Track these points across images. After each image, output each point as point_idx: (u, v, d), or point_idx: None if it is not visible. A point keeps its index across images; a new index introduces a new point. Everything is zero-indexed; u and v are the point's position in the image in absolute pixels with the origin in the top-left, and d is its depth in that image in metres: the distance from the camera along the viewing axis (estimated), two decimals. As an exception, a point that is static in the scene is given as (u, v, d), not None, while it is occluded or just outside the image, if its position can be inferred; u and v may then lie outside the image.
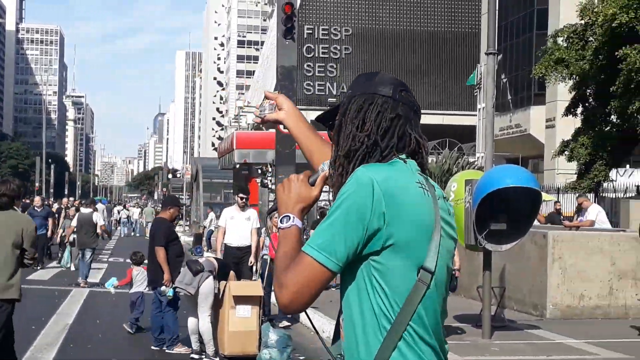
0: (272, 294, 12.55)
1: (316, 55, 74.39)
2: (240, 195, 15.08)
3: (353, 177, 2.40)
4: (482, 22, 48.81)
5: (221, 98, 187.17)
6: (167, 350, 11.22)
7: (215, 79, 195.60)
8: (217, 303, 10.92)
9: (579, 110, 28.48)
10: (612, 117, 26.40)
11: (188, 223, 55.16)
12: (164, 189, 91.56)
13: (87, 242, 19.63)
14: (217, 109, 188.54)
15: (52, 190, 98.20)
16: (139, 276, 12.93)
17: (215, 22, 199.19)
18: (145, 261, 12.49)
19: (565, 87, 29.54)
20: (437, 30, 76.55)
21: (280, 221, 2.49)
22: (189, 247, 27.28)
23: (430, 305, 2.42)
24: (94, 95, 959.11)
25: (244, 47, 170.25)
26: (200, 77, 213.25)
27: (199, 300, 10.71)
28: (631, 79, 23.39)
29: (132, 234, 52.19)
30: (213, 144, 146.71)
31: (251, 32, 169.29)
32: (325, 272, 2.34)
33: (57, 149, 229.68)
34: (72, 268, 22.86)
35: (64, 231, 24.25)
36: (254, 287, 11.32)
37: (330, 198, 2.54)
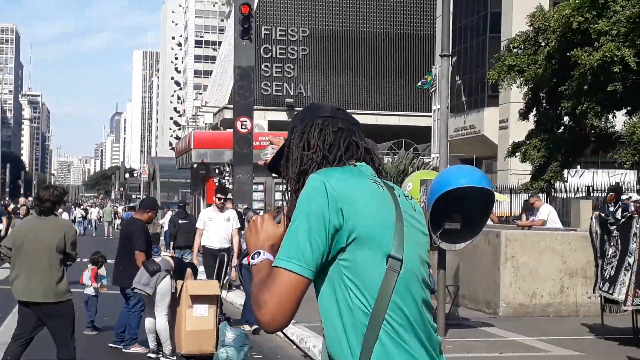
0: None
1: (274, 55, 74.17)
2: (219, 195, 14.63)
3: (307, 184, 2.44)
4: (436, 25, 48.98)
5: (179, 98, 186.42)
6: (124, 350, 11.16)
7: (172, 78, 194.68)
8: (175, 302, 10.89)
9: (532, 114, 28.73)
10: (564, 119, 26.68)
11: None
12: (121, 188, 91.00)
13: None
14: (175, 109, 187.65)
15: (7, 190, 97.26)
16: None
17: (173, 21, 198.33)
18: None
19: (518, 90, 29.81)
20: (393, 31, 76.62)
21: (252, 257, 2.51)
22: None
23: (407, 294, 2.44)
24: (51, 94, 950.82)
25: (201, 47, 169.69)
26: (158, 77, 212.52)
27: (156, 299, 10.66)
28: (583, 81, 23.64)
29: (92, 234, 51.89)
30: (170, 144, 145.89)
31: (209, 32, 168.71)
32: (299, 279, 2.36)
33: (12, 148, 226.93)
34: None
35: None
36: (211, 286, 11.28)
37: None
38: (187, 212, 21.67)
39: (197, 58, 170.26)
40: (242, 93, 19.37)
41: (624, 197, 14.49)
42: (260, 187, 31.13)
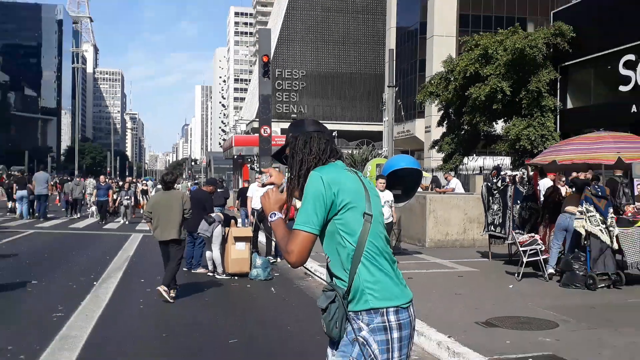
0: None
1: (283, 87, 74.85)
2: (261, 175, 14.58)
3: (310, 178, 2.50)
4: (385, 67, 48.93)
5: (224, 115, 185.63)
6: (192, 271, 11.19)
7: (220, 102, 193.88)
8: (224, 241, 10.92)
9: (445, 122, 28.69)
10: (464, 126, 26.64)
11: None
12: (189, 172, 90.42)
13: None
14: (222, 121, 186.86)
15: (118, 173, 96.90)
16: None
17: (220, 67, 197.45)
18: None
19: (435, 108, 29.79)
20: (359, 71, 77.03)
21: (270, 217, 2.60)
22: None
23: (376, 235, 2.49)
24: (144, 113, 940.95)
25: (238, 83, 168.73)
26: (211, 102, 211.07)
27: (212, 239, 10.70)
28: (475, 105, 23.79)
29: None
30: (220, 143, 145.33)
31: (243, 73, 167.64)
32: (311, 236, 2.44)
33: (120, 147, 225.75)
34: (127, 222, 22.64)
35: (121, 198, 23.74)
36: (247, 231, 11.31)
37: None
38: (223, 185, 21.74)
39: (236, 90, 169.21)
40: (264, 111, 19.26)
41: (502, 173, 14.54)
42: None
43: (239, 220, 16.80)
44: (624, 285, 9.13)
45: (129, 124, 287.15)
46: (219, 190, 20.13)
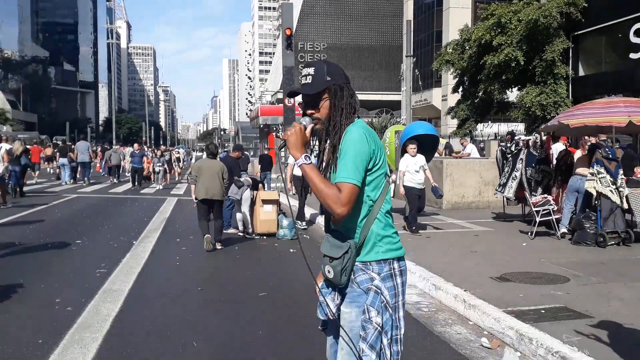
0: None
1: (306, 59, 73.68)
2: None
3: (352, 133, 2.44)
4: (403, 38, 48.31)
5: (250, 86, 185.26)
6: (224, 231, 11.31)
7: (246, 75, 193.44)
8: (253, 203, 10.99)
9: (460, 89, 28.27)
10: (479, 94, 26.21)
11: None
12: (219, 140, 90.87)
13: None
14: (248, 93, 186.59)
15: (152, 142, 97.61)
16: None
17: (246, 41, 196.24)
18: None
19: (451, 76, 29.32)
20: (378, 43, 76.03)
21: (304, 159, 2.46)
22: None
23: (389, 193, 2.54)
24: (175, 85, 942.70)
25: (263, 56, 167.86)
26: (237, 74, 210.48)
27: (242, 202, 10.77)
28: (489, 72, 23.39)
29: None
30: (246, 113, 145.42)
31: (267, 46, 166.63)
32: (356, 188, 2.37)
33: (154, 118, 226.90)
34: (160, 187, 22.85)
35: (154, 165, 23.93)
36: (274, 194, 11.36)
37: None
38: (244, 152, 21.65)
39: (261, 63, 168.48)
40: (287, 82, 19.14)
41: (516, 138, 14.37)
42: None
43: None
44: (633, 243, 9.04)
45: (161, 96, 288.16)
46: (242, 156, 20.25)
